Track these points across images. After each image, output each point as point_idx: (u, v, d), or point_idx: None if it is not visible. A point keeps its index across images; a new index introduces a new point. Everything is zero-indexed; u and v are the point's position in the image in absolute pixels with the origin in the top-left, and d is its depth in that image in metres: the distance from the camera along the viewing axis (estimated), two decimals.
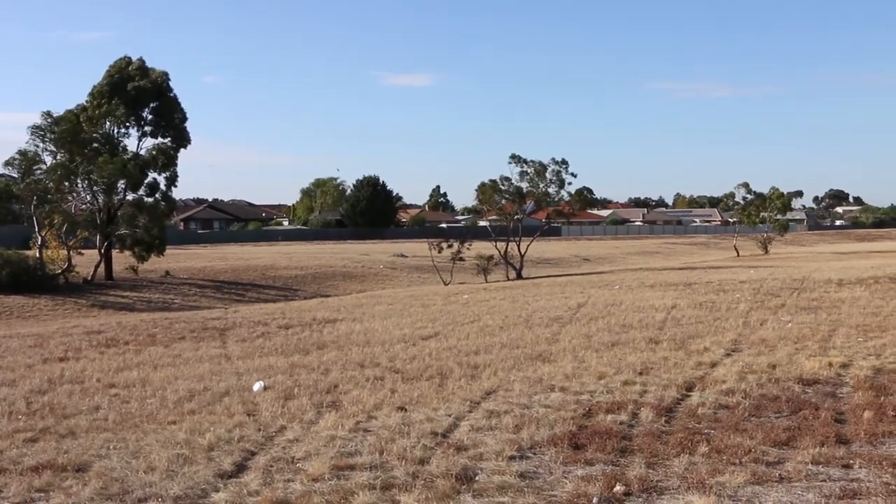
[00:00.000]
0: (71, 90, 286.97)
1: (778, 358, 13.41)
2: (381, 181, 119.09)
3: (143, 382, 14.77)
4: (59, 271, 44.40)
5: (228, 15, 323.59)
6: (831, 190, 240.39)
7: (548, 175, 54.62)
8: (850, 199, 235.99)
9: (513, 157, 54.60)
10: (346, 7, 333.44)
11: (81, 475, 8.14)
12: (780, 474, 7.24)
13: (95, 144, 47.24)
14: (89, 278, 45.79)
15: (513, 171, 55.04)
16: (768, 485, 7.02)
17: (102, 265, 47.34)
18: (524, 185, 55.31)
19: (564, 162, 54.51)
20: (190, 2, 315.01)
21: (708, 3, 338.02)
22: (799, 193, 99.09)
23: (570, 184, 55.50)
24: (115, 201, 48.71)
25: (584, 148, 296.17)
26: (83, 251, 47.88)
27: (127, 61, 50.23)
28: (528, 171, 54.67)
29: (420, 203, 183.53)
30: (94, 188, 47.67)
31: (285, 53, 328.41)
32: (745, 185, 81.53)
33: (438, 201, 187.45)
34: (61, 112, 47.11)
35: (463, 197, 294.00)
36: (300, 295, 46.09)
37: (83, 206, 48.85)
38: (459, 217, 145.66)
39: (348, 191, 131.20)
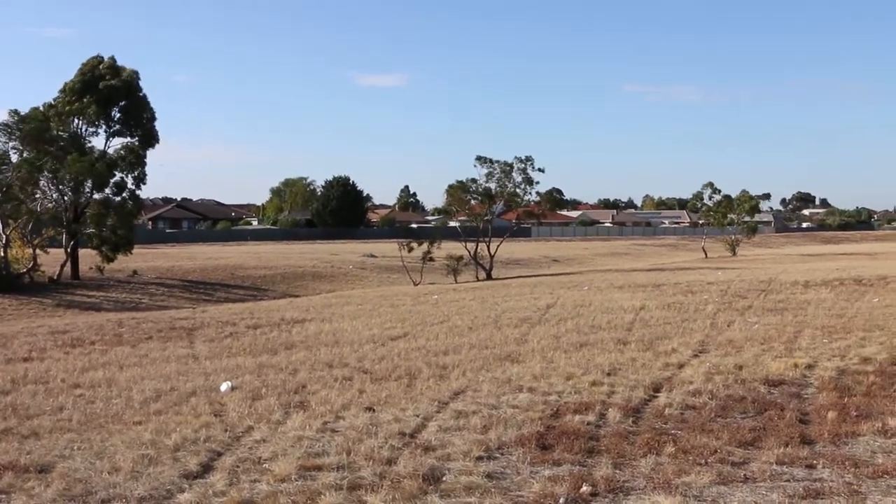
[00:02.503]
0: (35, 87, 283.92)
1: (744, 359, 13.52)
2: (351, 181, 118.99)
3: (109, 382, 14.61)
4: (24, 270, 43.86)
5: (200, 13, 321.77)
6: (798, 192, 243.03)
7: (514, 174, 54.78)
8: (817, 202, 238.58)
9: (478, 158, 54.82)
10: (319, 6, 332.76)
11: (44, 476, 8.03)
12: (745, 474, 7.29)
13: (62, 143, 46.72)
14: (55, 277, 45.28)
15: (480, 173, 55.18)
16: (733, 485, 7.07)
17: (68, 264, 46.84)
18: (492, 185, 55.43)
19: (529, 158, 54.71)
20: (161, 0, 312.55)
21: (677, 7, 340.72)
22: (766, 196, 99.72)
23: (538, 182, 55.79)
24: (82, 200, 48.26)
25: (554, 149, 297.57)
26: (49, 250, 47.35)
27: (99, 60, 49.80)
28: (495, 171, 54.79)
29: (390, 203, 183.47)
30: (61, 186, 47.17)
31: (256, 52, 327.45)
32: (711, 185, 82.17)
33: (408, 201, 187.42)
34: (26, 109, 46.61)
35: (433, 197, 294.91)
36: (269, 295, 45.86)
37: (49, 205, 48.27)
38: (429, 217, 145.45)
39: (318, 191, 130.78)
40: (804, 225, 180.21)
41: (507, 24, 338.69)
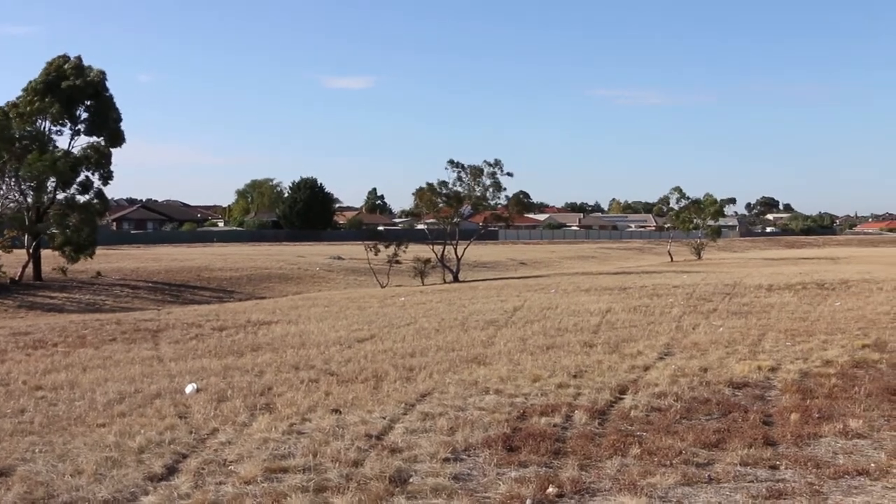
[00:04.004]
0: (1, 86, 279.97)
1: (709, 361, 13.63)
2: (318, 183, 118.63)
3: (72, 385, 14.44)
4: None
5: (165, 13, 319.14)
6: (763, 197, 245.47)
7: (484, 178, 54.90)
8: (781, 207, 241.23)
9: (450, 162, 54.93)
10: (286, 9, 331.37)
11: (4, 479, 7.92)
12: (709, 475, 7.35)
13: (25, 142, 46.14)
14: (17, 278, 44.72)
15: (450, 176, 55.26)
16: (698, 486, 7.13)
17: (31, 265, 46.25)
18: (462, 189, 55.52)
19: (498, 162, 54.90)
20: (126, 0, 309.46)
21: (641, 11, 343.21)
22: (732, 200, 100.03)
23: (505, 188, 55.96)
24: (45, 200, 47.65)
25: (521, 152, 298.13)
26: (13, 250, 46.71)
27: (64, 59, 49.27)
28: (465, 175, 54.90)
29: (357, 205, 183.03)
30: (23, 186, 46.57)
31: (223, 54, 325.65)
32: (678, 189, 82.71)
33: (375, 204, 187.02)
34: None
35: (400, 199, 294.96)
36: (235, 297, 45.60)
37: (11, 205, 47.64)
38: (397, 220, 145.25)
39: (285, 192, 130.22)
40: (768, 229, 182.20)
41: (473, 26, 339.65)
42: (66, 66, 48.67)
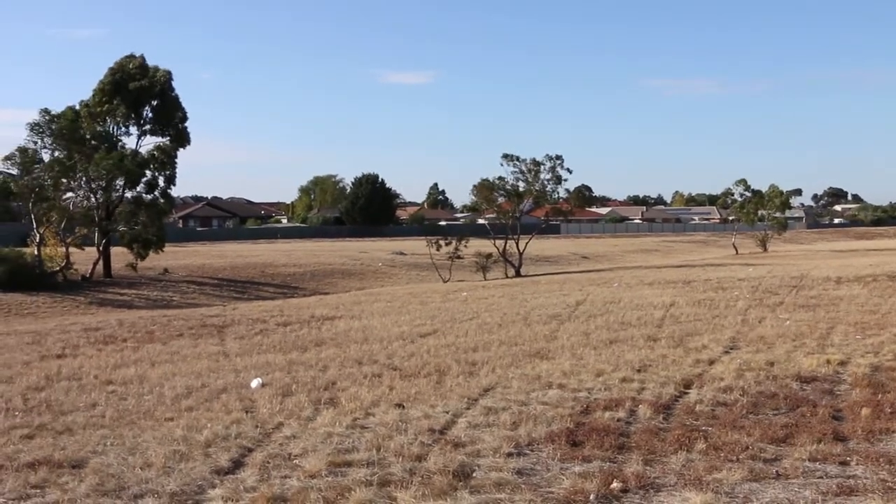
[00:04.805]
0: (66, 86, 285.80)
1: (776, 355, 13.42)
2: (379, 179, 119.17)
3: (141, 379, 14.73)
4: (58, 269, 44.32)
5: (226, 12, 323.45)
6: (830, 188, 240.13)
7: (542, 172, 54.52)
8: (849, 197, 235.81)
9: (505, 156, 54.51)
10: (345, 5, 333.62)
11: (78, 471, 8.13)
12: (777, 471, 7.24)
13: (94, 142, 47.18)
14: (88, 276, 45.73)
15: (507, 171, 54.99)
16: (765, 481, 7.03)
17: (101, 263, 47.28)
18: (521, 184, 55.24)
19: (559, 157, 54.37)
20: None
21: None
22: (798, 191, 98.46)
23: (566, 180, 55.48)
24: (114, 198, 48.70)
25: (582, 146, 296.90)
26: (85, 248, 47.78)
27: (130, 59, 50.18)
28: (523, 168, 54.55)
29: (419, 201, 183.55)
30: (93, 185, 47.62)
31: (283, 50, 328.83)
32: (743, 182, 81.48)
33: (437, 199, 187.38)
34: (60, 109, 47.10)
35: (462, 194, 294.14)
36: (299, 292, 46.05)
37: (82, 204, 48.75)
38: (458, 215, 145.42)
39: (347, 189, 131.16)
40: (836, 221, 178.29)
41: (530, 21, 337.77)
42: (130, 67, 49.53)
